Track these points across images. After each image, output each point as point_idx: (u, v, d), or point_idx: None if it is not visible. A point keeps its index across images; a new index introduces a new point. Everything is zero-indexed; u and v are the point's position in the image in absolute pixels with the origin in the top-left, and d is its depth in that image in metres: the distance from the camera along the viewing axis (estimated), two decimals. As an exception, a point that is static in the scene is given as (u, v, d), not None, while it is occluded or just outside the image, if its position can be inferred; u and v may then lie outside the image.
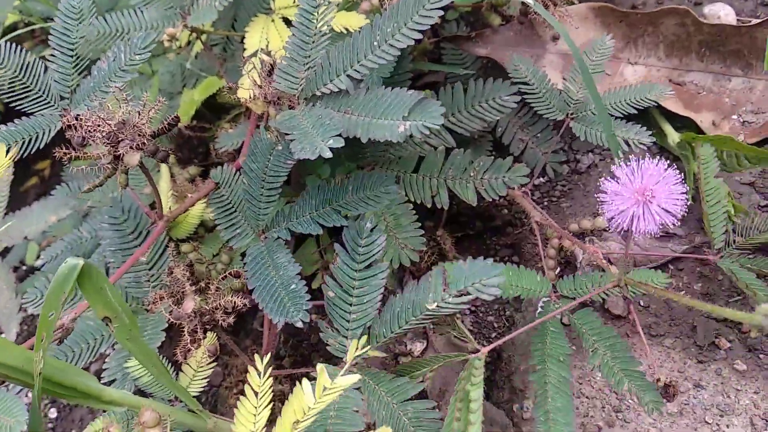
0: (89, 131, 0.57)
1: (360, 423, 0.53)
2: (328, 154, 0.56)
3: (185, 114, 0.87)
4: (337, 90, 0.62)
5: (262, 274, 0.64)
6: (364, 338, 0.55)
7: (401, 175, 0.78)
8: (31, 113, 0.69)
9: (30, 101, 0.69)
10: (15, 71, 0.69)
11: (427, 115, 0.56)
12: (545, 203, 0.80)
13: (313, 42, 0.64)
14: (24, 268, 1.06)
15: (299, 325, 0.59)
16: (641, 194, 0.51)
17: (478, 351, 0.57)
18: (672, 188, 0.51)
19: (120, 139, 0.57)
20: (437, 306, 0.57)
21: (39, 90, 0.70)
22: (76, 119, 0.57)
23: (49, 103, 0.70)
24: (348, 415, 0.54)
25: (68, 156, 0.57)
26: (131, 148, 0.57)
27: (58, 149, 0.57)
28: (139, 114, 0.58)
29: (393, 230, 0.73)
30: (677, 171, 0.52)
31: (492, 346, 0.59)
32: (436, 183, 0.76)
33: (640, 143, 0.71)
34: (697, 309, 0.63)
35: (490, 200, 0.72)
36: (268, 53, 0.77)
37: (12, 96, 0.69)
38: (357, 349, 0.51)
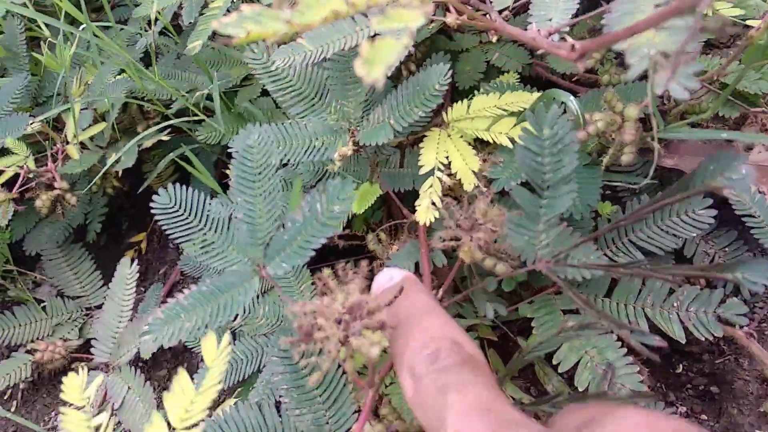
0: (317, 320, 0.51)
1: None
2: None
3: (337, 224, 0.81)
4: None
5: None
6: None
7: (591, 301, 0.73)
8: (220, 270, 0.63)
9: (216, 255, 0.64)
10: (196, 221, 0.64)
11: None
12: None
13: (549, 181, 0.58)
14: (140, 364, 1.01)
15: None
16: None
17: None
18: None
19: (350, 324, 0.51)
20: None
21: (225, 244, 0.64)
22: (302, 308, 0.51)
23: (238, 258, 0.64)
24: None
25: (295, 345, 0.52)
26: (361, 331, 0.51)
27: (284, 339, 0.52)
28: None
29: (600, 366, 0.68)
30: None
31: None
32: (633, 312, 0.71)
33: None
34: None
35: (704, 339, 0.67)
36: (450, 175, 0.72)
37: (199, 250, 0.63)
38: None
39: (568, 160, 0.57)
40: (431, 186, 0.72)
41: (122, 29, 1.11)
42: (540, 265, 0.59)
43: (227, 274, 0.63)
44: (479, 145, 0.78)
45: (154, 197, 0.66)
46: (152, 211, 0.65)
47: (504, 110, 0.75)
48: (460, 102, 0.78)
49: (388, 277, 0.55)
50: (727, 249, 0.77)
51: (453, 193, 0.75)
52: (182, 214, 0.65)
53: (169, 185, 0.66)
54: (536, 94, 0.72)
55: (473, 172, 0.71)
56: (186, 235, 0.65)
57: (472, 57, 0.96)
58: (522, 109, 0.73)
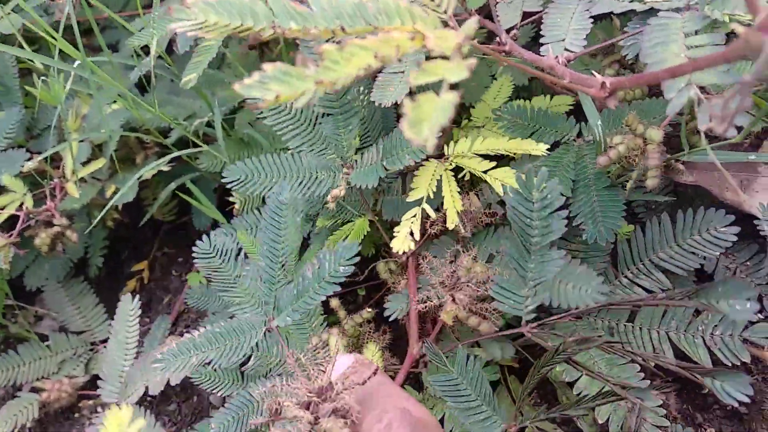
0: (284, 401, 0.49)
1: None
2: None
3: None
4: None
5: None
6: None
7: (614, 326, 0.71)
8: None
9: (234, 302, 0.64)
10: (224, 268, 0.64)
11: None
12: (771, 347, 0.73)
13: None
14: (149, 398, 0.98)
15: None
16: None
17: None
18: None
19: (319, 406, 0.49)
20: None
21: (243, 292, 0.65)
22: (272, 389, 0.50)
23: (253, 306, 0.65)
24: None
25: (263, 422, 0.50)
26: (335, 414, 0.49)
27: (252, 420, 0.51)
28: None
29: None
30: None
31: None
32: (657, 336, 0.69)
33: None
34: None
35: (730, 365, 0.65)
36: (437, 209, 0.70)
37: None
38: None
39: (556, 226, 0.54)
40: (414, 215, 0.70)
41: (114, 53, 1.08)
42: (525, 329, 0.57)
43: (239, 321, 0.63)
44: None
45: (198, 243, 0.70)
46: (193, 255, 0.70)
47: (507, 153, 0.71)
48: (464, 139, 0.74)
49: (341, 365, 0.59)
50: (748, 263, 0.75)
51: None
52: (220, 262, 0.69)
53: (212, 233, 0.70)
54: (542, 145, 0.68)
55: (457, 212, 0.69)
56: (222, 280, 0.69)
57: (476, 71, 0.94)
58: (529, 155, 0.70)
